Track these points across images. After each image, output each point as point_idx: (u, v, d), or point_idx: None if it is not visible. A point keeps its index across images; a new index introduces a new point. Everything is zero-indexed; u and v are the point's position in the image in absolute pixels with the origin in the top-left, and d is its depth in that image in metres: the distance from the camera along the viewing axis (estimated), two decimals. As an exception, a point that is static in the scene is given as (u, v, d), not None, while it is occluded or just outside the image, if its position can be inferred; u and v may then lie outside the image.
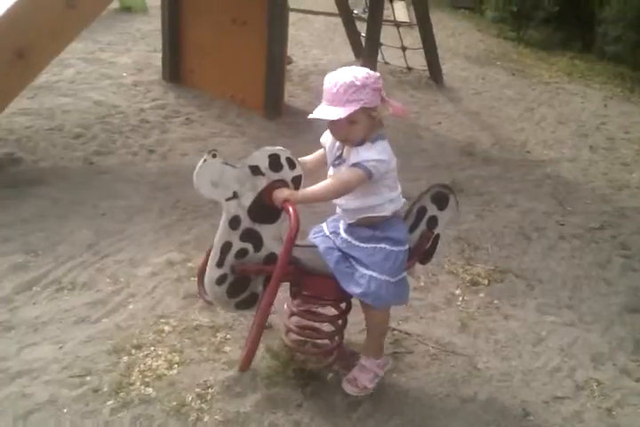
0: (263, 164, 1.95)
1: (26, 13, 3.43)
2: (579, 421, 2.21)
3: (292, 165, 1.99)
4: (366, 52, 6.09)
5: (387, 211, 2.04)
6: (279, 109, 5.02)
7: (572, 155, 5.07)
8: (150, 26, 7.02)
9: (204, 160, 1.86)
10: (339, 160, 2.03)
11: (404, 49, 6.98)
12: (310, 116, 1.93)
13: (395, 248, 2.04)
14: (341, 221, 2.13)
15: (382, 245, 2.03)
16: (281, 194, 1.94)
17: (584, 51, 9.21)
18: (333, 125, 1.96)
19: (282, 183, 1.98)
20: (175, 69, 5.59)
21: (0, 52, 3.37)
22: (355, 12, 7.50)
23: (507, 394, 2.30)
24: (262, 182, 1.96)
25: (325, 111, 1.89)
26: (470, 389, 2.31)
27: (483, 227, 3.63)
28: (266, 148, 1.97)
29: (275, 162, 1.96)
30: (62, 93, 4.94)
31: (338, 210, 2.13)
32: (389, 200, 2.04)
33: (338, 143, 2.04)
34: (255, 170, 1.94)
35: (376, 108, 1.92)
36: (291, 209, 1.91)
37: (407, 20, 9.36)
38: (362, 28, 6.63)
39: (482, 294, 2.93)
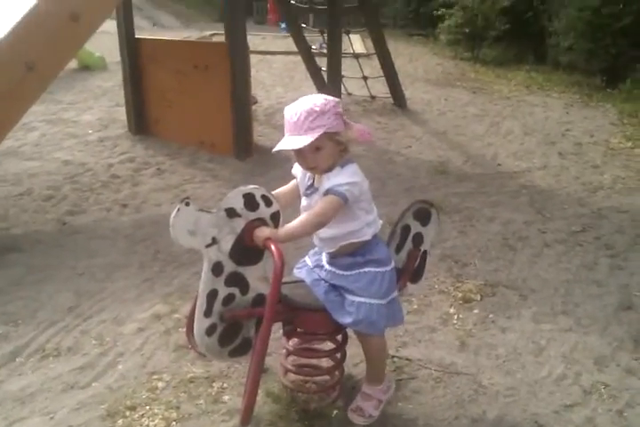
0: (238, 204, 1.90)
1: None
2: (592, 426, 2.16)
3: (268, 202, 1.94)
4: (329, 85, 6.18)
5: (366, 235, 2.00)
6: (249, 150, 5.05)
7: (543, 163, 5.14)
8: (110, 82, 7.08)
9: (178, 209, 1.80)
10: (311, 189, 1.99)
11: (365, 78, 7.13)
12: (275, 148, 1.88)
13: (380, 269, 2.01)
14: (323, 254, 2.09)
15: (366, 269, 1.99)
16: (262, 233, 1.89)
17: (538, 63, 9.51)
18: (300, 154, 1.92)
19: (260, 222, 1.93)
20: (140, 121, 5.61)
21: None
22: (313, 47, 7.66)
23: (516, 409, 2.24)
24: (240, 224, 1.91)
25: (289, 141, 1.86)
26: (479, 408, 2.24)
27: (467, 242, 3.63)
28: (239, 188, 1.91)
29: (250, 201, 1.91)
30: (28, 157, 4.90)
31: (315, 241, 2.09)
32: (367, 224, 2.00)
33: (308, 173, 2.01)
34: (231, 212, 1.89)
35: (340, 132, 1.89)
36: (273, 247, 1.85)
37: (364, 50, 9.60)
38: (321, 62, 6.75)
39: (476, 310, 2.90)
